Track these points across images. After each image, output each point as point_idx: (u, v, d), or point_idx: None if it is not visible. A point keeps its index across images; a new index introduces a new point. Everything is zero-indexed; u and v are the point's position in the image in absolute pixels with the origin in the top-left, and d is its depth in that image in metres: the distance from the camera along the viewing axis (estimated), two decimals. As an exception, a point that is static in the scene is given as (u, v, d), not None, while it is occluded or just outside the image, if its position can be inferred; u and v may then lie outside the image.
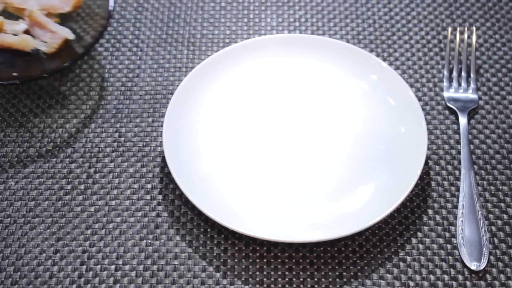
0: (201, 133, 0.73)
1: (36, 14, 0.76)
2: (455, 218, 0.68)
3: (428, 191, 0.70)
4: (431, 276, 0.64)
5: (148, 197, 0.69)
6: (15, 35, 0.75)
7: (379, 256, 0.65)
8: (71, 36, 0.75)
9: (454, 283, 0.63)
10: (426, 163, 0.71)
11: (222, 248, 0.66)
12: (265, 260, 0.65)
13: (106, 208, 0.68)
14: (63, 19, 0.78)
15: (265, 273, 0.64)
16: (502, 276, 0.64)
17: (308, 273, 0.64)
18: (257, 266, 0.65)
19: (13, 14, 0.78)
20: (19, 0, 0.77)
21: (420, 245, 0.66)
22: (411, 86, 0.78)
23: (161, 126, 0.74)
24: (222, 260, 0.65)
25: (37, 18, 0.75)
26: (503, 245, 0.66)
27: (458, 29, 0.82)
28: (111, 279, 0.64)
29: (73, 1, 0.78)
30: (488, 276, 0.64)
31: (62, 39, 0.75)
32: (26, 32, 0.76)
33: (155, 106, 0.76)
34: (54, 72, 0.73)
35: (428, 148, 0.73)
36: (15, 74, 0.73)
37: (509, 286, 0.63)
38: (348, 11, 0.86)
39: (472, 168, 0.70)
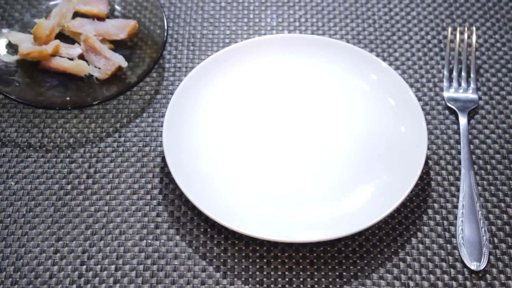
0: (201, 133, 0.73)
1: (92, 39, 0.76)
2: (455, 218, 0.68)
3: (428, 191, 0.70)
4: (431, 276, 0.64)
5: (148, 197, 0.69)
6: (70, 59, 0.76)
7: (379, 256, 0.65)
8: (124, 63, 0.75)
9: (454, 283, 0.63)
10: (426, 163, 0.71)
11: (222, 248, 0.66)
12: (265, 260, 0.65)
13: (106, 208, 0.68)
14: (116, 45, 0.78)
15: (265, 273, 0.64)
16: (502, 276, 0.64)
17: (308, 273, 0.64)
18: (257, 266, 0.65)
19: (69, 37, 0.79)
20: (76, 24, 0.77)
21: (420, 245, 0.66)
22: (411, 86, 0.78)
23: (161, 126, 0.74)
24: (222, 260, 0.65)
25: (93, 44, 0.76)
26: (503, 245, 0.66)
27: (458, 29, 0.82)
28: (111, 279, 0.64)
29: (128, 28, 0.78)
30: (488, 276, 0.64)
31: (116, 66, 0.75)
32: (81, 56, 0.76)
33: (155, 106, 0.76)
34: (106, 99, 0.72)
35: (428, 148, 0.73)
36: (68, 98, 0.73)
37: (509, 286, 0.63)
38: (348, 11, 0.86)
39: (472, 168, 0.70)
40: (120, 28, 0.78)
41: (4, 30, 0.78)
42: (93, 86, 0.75)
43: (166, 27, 0.77)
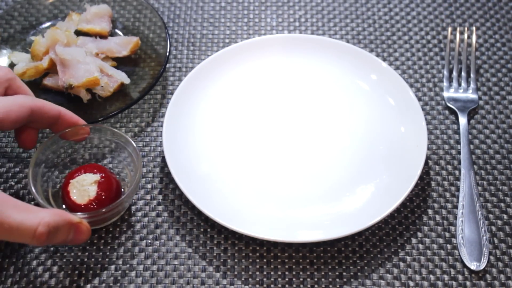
0: (201, 133, 0.73)
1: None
2: (455, 218, 0.68)
3: (428, 191, 0.70)
4: (431, 276, 0.64)
5: (148, 197, 0.69)
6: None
7: (379, 256, 0.65)
8: (127, 80, 0.74)
9: (454, 283, 0.63)
10: (426, 163, 0.71)
11: (222, 248, 0.66)
12: (265, 260, 0.65)
13: (106, 208, 0.68)
14: (118, 62, 0.77)
15: (265, 273, 0.64)
16: (502, 276, 0.64)
17: (308, 273, 0.64)
18: (257, 266, 0.65)
19: None
20: (78, 43, 0.76)
21: (420, 245, 0.66)
22: (411, 86, 0.78)
23: (161, 126, 0.74)
24: (222, 260, 0.65)
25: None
26: (503, 245, 0.66)
27: (458, 29, 0.82)
28: (111, 279, 0.64)
29: (131, 45, 0.77)
30: (488, 276, 0.64)
31: (118, 83, 0.74)
32: None
33: (155, 106, 0.77)
34: (109, 116, 0.72)
35: (428, 148, 0.73)
36: None
37: (509, 286, 0.63)
38: (348, 11, 0.86)
39: (472, 168, 0.70)
40: (123, 45, 0.77)
41: (7, 51, 0.78)
42: (96, 104, 0.74)
43: (168, 42, 0.77)
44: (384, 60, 0.81)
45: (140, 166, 0.64)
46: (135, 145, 0.65)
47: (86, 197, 0.63)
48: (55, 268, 0.64)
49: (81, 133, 0.66)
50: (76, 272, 0.64)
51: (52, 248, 0.65)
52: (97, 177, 0.64)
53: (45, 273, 0.64)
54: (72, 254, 0.65)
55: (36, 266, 0.64)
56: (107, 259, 0.65)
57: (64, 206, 0.65)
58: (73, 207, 0.63)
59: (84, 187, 0.64)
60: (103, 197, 0.63)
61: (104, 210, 0.61)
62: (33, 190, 0.61)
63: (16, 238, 0.55)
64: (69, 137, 0.66)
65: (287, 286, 0.63)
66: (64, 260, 0.65)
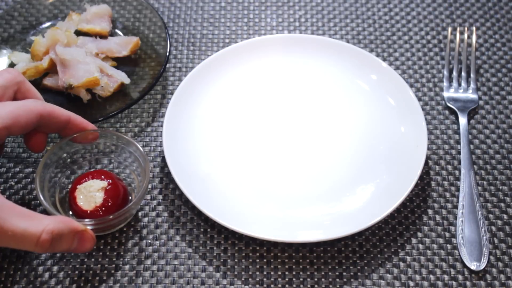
0: (201, 133, 0.73)
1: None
2: (455, 218, 0.68)
3: (428, 191, 0.70)
4: (431, 276, 0.64)
5: (148, 197, 0.69)
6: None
7: (379, 256, 0.65)
8: (127, 80, 0.74)
9: (454, 283, 0.63)
10: (426, 163, 0.71)
11: (222, 248, 0.66)
12: (265, 260, 0.65)
13: (106, 208, 0.68)
14: (118, 62, 0.77)
15: (265, 273, 0.64)
16: (502, 276, 0.64)
17: (308, 273, 0.64)
18: (257, 266, 0.65)
19: None
20: (78, 43, 0.76)
21: (420, 245, 0.66)
22: (411, 86, 0.78)
23: (161, 126, 0.74)
24: (222, 260, 0.65)
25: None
26: (503, 245, 0.66)
27: (458, 29, 0.82)
28: (111, 279, 0.64)
29: (131, 45, 0.77)
30: (488, 276, 0.64)
31: (118, 83, 0.74)
32: None
33: (155, 106, 0.77)
34: (109, 116, 0.72)
35: (428, 148, 0.73)
36: None
37: (509, 286, 0.63)
38: (348, 11, 0.86)
39: (472, 168, 0.70)
40: (123, 45, 0.77)
41: (7, 51, 0.78)
42: (96, 104, 0.74)
43: (168, 42, 0.77)
44: (384, 60, 0.81)
45: (148, 174, 0.63)
46: (144, 153, 0.65)
47: (92, 204, 0.63)
48: (55, 268, 0.64)
49: (90, 138, 0.66)
50: (77, 272, 0.64)
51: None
52: (104, 183, 0.64)
53: (45, 273, 0.64)
54: (72, 254, 0.65)
55: (36, 266, 0.64)
56: (107, 259, 0.65)
57: (70, 212, 0.65)
58: (79, 213, 0.63)
59: (91, 193, 0.63)
60: (110, 204, 0.63)
61: (110, 217, 0.61)
62: (41, 196, 0.61)
63: (19, 245, 0.55)
64: (78, 141, 0.66)
65: (287, 286, 0.63)
66: (64, 260, 0.65)
